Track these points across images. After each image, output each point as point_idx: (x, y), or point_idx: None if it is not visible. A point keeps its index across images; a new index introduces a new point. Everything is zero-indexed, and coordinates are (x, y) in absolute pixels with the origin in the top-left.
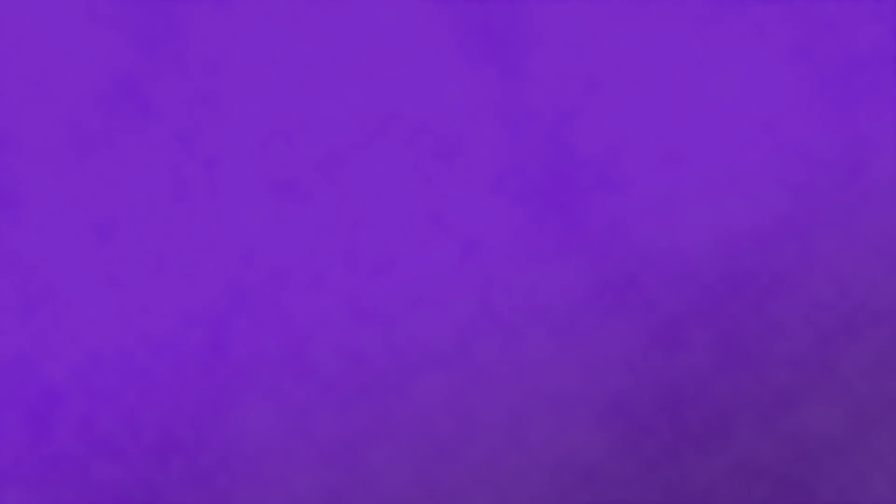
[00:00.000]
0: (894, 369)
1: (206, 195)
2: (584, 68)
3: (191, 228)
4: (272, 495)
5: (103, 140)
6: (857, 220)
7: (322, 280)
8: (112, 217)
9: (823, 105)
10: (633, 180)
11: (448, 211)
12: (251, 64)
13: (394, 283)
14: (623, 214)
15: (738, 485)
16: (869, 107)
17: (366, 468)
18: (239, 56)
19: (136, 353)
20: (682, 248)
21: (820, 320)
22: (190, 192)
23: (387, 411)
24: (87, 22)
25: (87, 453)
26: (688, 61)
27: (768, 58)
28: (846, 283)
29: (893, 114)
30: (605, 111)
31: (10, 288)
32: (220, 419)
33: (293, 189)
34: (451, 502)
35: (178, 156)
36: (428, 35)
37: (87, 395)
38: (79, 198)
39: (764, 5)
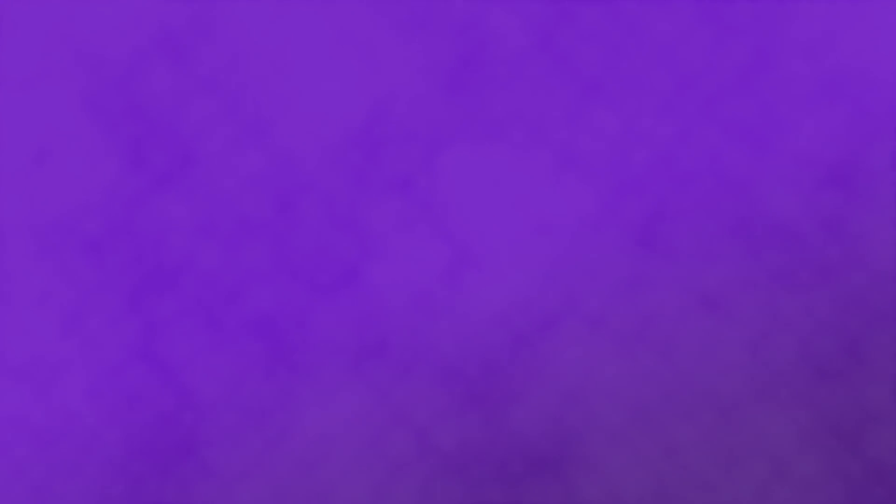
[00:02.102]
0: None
1: (193, 194)
2: (578, 68)
3: (176, 227)
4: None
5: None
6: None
7: (317, 279)
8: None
9: (824, 105)
10: (631, 179)
11: (441, 212)
12: (247, 65)
13: (384, 285)
14: (624, 214)
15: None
16: (870, 108)
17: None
18: (233, 56)
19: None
20: (687, 243)
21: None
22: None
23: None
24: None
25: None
26: (686, 60)
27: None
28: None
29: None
30: (607, 109)
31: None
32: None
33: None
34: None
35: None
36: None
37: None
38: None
39: (767, 5)
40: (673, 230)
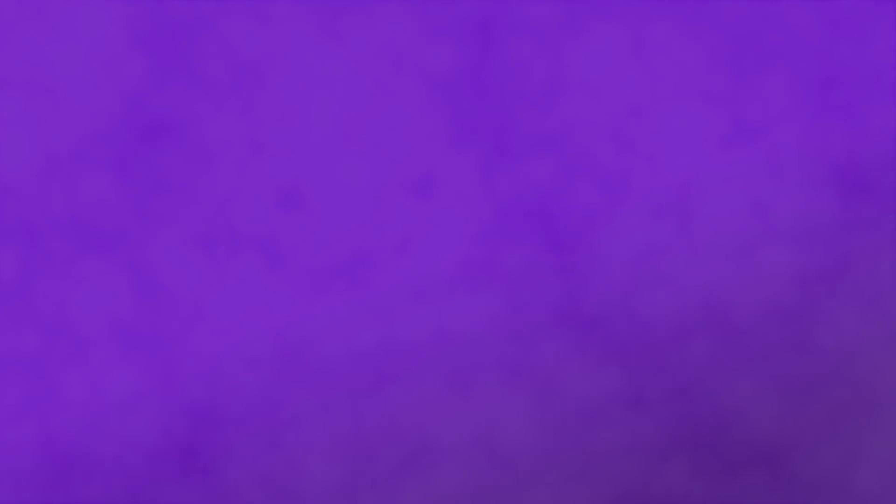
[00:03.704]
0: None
1: (190, 199)
2: (581, 68)
3: (178, 232)
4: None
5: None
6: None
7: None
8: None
9: (820, 108)
10: (629, 184)
11: (435, 232)
12: (249, 76)
13: (383, 287)
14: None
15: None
16: (870, 107)
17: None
18: (233, 67)
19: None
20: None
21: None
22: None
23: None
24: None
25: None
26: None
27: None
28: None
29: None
30: (615, 114)
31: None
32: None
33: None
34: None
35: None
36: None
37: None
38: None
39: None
40: (672, 230)
